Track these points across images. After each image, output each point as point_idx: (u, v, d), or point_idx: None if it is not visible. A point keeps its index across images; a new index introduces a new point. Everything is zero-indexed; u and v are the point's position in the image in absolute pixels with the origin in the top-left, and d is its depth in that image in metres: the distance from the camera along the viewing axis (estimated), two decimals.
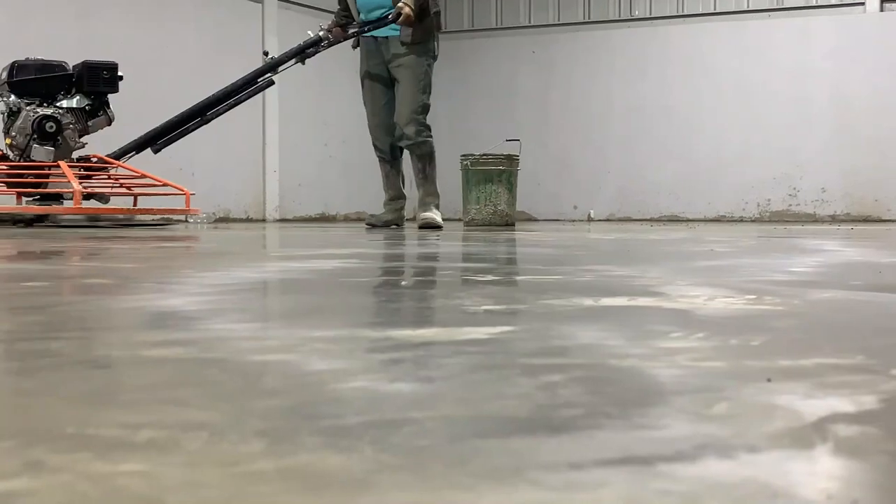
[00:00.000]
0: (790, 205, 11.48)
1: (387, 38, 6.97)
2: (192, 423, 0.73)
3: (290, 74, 10.79)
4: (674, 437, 0.69)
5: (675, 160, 11.86)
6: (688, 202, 11.85)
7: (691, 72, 11.81)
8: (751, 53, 11.54)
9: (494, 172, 7.79)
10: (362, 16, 7.03)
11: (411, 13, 6.73)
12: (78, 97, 7.23)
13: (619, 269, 2.61)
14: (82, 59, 7.25)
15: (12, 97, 7.06)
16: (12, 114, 7.06)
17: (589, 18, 12.56)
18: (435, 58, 7.10)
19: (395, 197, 7.26)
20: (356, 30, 7.05)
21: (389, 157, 7.23)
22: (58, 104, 7.15)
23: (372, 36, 7.01)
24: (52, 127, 7.05)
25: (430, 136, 7.04)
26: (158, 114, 9.45)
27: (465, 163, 7.89)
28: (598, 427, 0.72)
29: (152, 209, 7.48)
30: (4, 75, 7.04)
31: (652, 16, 12.22)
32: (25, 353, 1.11)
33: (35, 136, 6.99)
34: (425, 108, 7.01)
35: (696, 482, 0.58)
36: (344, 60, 11.77)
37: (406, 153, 7.20)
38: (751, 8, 11.73)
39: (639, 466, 0.61)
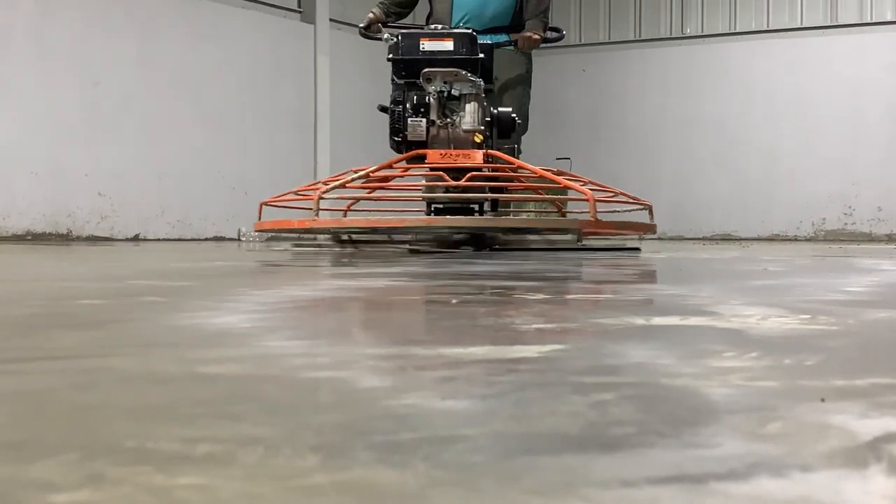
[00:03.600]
0: (846, 223, 11.32)
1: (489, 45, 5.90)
2: (250, 437, 0.74)
3: (341, 91, 10.92)
4: (727, 456, 0.68)
5: (729, 179, 11.76)
6: (741, 220, 11.73)
7: (745, 89, 11.72)
8: (805, 71, 11.43)
9: (545, 191, 7.76)
10: (466, 18, 5.94)
11: (540, 41, 5.98)
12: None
13: (671, 288, 2.59)
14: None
15: (476, 79, 5.38)
16: (452, 98, 5.46)
17: (640, 36, 12.52)
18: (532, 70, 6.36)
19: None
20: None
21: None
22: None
23: None
24: (519, 123, 5.63)
25: None
26: (215, 130, 9.60)
27: None
28: (650, 445, 0.72)
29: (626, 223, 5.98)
30: (453, 46, 5.45)
31: (704, 33, 12.15)
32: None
33: (496, 129, 5.52)
34: (522, 133, 6.24)
35: (748, 500, 0.58)
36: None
37: None
38: (805, 25, 11.61)
39: (691, 485, 0.61)
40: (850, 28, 11.37)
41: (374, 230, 5.68)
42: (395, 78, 5.68)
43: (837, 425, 0.78)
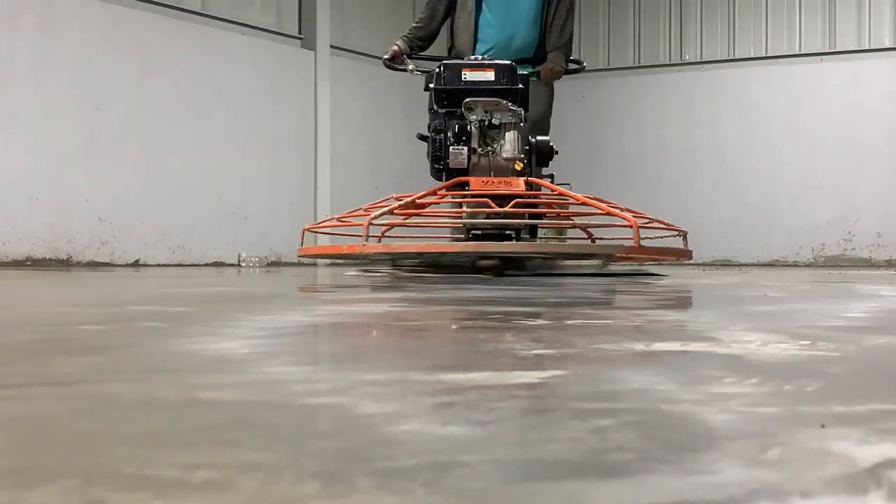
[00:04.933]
0: (845, 249, 11.33)
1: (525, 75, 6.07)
2: (249, 463, 0.74)
3: (342, 117, 10.96)
4: (727, 483, 0.68)
5: (728, 204, 11.78)
6: (740, 246, 11.74)
7: (743, 115, 11.75)
8: (803, 97, 11.47)
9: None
10: (491, 52, 6.12)
11: (562, 72, 6.18)
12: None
13: (671, 313, 2.59)
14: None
15: (517, 108, 5.55)
16: (492, 126, 5.61)
17: (639, 63, 12.57)
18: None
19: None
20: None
21: None
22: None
23: None
24: (557, 152, 5.89)
25: None
26: (216, 155, 9.62)
27: None
28: (650, 471, 0.72)
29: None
30: (493, 76, 5.59)
31: (702, 59, 12.20)
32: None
33: (535, 157, 5.75)
34: None
35: None
36: (396, 103, 11.92)
37: None
38: (802, 52, 11.67)
39: None
40: (847, 55, 11.42)
41: (417, 255, 5.75)
42: (433, 107, 5.79)
43: (837, 451, 0.78)
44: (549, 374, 1.29)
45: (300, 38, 10.76)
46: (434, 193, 5.55)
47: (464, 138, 5.57)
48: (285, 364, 1.45)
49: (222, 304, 3.12)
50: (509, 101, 5.47)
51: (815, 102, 11.40)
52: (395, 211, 5.47)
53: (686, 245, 6.00)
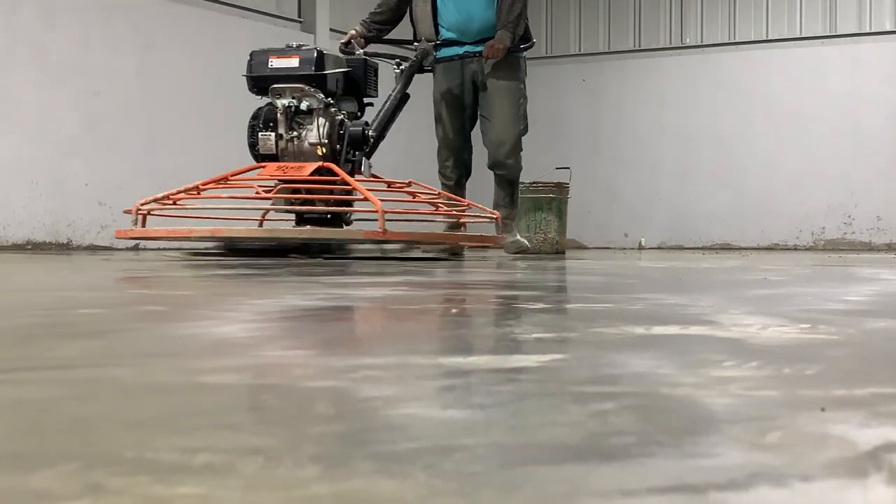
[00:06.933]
0: (845, 233, 11.33)
1: (475, 54, 6.46)
2: (249, 447, 0.74)
3: None
4: (726, 466, 0.68)
5: (728, 188, 11.77)
6: (740, 230, 11.74)
7: (743, 99, 11.73)
8: (803, 80, 11.45)
9: (544, 200, 7.79)
10: (451, 33, 6.47)
11: (504, 50, 6.31)
12: (352, 101, 6.07)
13: (671, 297, 2.59)
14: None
15: (320, 94, 5.69)
16: (300, 113, 5.76)
17: (639, 46, 12.54)
18: (526, 74, 6.68)
19: (456, 226, 6.60)
20: (425, 50, 6.28)
21: (454, 185, 6.68)
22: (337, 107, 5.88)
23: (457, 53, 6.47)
24: (373, 137, 5.93)
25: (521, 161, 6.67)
26: (215, 139, 9.61)
27: None
28: (649, 455, 0.72)
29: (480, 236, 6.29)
30: (298, 63, 5.75)
31: (703, 43, 12.17)
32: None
33: (350, 147, 5.79)
34: (524, 134, 6.57)
35: None
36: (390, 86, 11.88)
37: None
38: (803, 35, 11.64)
39: (691, 494, 0.61)
40: (848, 38, 11.40)
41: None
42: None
43: (837, 435, 0.78)
44: (548, 357, 1.28)
45: (300, 22, 10.72)
46: (226, 179, 5.77)
47: (272, 124, 5.79)
48: (285, 348, 1.45)
49: (222, 287, 3.11)
50: (314, 87, 5.66)
51: (816, 86, 11.38)
52: (171, 195, 5.81)
53: (499, 230, 6.26)
